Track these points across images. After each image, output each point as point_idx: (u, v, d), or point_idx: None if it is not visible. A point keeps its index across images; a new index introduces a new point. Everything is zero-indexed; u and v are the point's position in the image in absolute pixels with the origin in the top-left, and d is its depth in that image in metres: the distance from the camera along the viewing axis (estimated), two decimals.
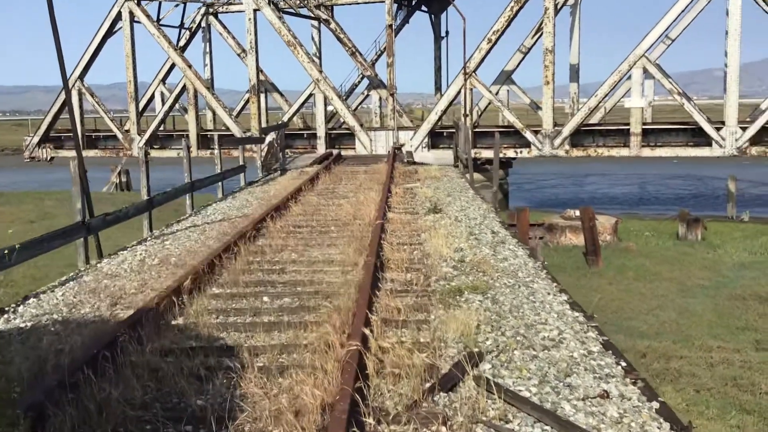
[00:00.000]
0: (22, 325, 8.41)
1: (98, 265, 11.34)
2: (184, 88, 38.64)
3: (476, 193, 18.08)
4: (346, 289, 8.96)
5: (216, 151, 18.85)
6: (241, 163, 20.91)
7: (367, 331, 6.95)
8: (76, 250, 11.97)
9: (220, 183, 18.85)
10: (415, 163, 25.02)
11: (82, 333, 7.81)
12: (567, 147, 33.66)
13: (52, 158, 41.41)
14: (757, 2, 33.94)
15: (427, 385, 6.25)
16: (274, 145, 23.96)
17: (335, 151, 30.37)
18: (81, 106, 40.03)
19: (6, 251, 9.13)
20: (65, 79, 12.88)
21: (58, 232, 10.97)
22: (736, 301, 18.60)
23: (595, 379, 6.43)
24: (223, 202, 17.61)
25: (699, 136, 32.28)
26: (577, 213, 25.40)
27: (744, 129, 31.17)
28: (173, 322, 8.13)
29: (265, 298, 9.01)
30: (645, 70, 32.34)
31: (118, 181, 42.47)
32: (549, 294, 9.07)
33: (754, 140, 31.27)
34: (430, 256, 10.84)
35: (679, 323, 17.30)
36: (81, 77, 39.67)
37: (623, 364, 6.83)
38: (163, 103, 41.60)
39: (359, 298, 8.13)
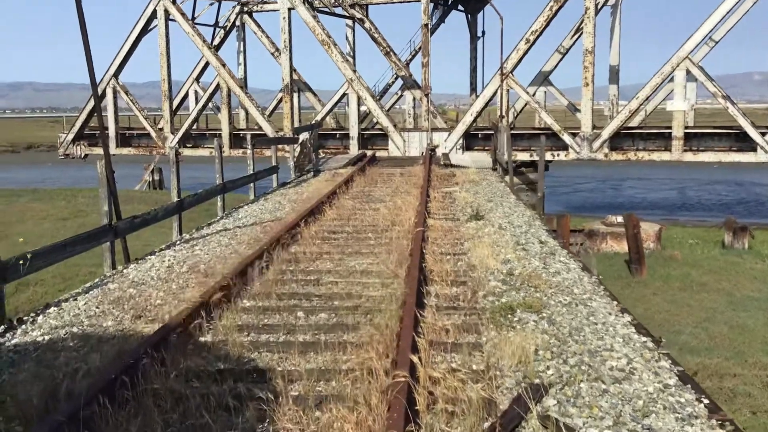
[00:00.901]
0: (40, 338, 7.73)
1: (124, 271, 10.66)
2: (217, 86, 38.15)
3: (518, 198, 17.17)
4: (388, 305, 8.18)
5: (248, 151, 18.16)
6: (273, 163, 20.19)
7: (415, 359, 6.13)
8: (102, 253, 11.33)
9: (252, 184, 18.15)
10: (452, 165, 24.10)
11: (101, 350, 7.10)
12: (606, 150, 32.54)
13: (86, 155, 41.19)
14: None
15: (486, 424, 5.44)
16: (307, 145, 23.23)
17: (369, 153, 29.57)
18: (115, 104, 39.77)
19: (21, 260, 8.43)
20: (93, 79, 12.23)
21: (83, 236, 10.31)
22: None
23: (678, 421, 5.57)
24: (255, 204, 16.90)
25: (743, 141, 30.97)
26: (619, 219, 24.35)
27: None
28: (201, 339, 7.39)
29: (300, 314, 8.24)
30: (688, 72, 31.15)
31: (151, 179, 42.15)
32: (611, 314, 8.19)
33: None
34: (476, 268, 10.00)
35: (730, 338, 16.26)
36: (116, 75, 39.36)
37: (705, 401, 5.95)
38: (197, 102, 41.19)
39: (404, 316, 7.33)
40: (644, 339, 7.43)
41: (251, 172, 18.05)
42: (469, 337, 7.37)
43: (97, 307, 8.75)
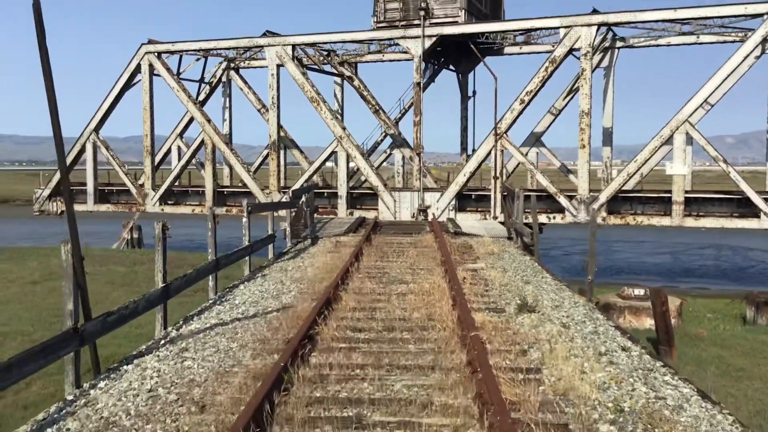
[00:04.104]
0: None
1: (92, 392, 7.58)
2: (201, 142, 35.30)
3: (555, 278, 14.36)
4: None
5: (244, 220, 15.18)
6: (270, 231, 17.23)
7: None
8: (63, 365, 8.23)
9: (248, 257, 15.12)
10: (462, 233, 21.29)
11: None
12: (604, 214, 30.11)
13: (62, 212, 37.76)
14: None
15: None
16: (303, 208, 20.34)
17: (369, 217, 26.73)
18: (95, 159, 36.62)
19: None
20: (59, 138, 9.21)
21: (37, 348, 7.23)
22: None
23: None
24: (253, 283, 13.82)
25: (744, 207, 28.80)
26: (636, 291, 21.71)
27: None
28: None
29: None
30: (687, 136, 29.10)
31: (129, 237, 38.69)
32: None
33: None
34: (569, 399, 7.10)
35: None
36: (96, 129, 36.35)
37: None
38: (180, 158, 38.22)
39: None
40: None
41: (246, 243, 15.01)
42: None
43: None
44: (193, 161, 38.46)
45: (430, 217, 29.93)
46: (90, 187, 36.86)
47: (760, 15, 27.58)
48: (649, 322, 20.15)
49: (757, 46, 28.66)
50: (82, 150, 36.51)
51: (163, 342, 9.58)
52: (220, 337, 9.64)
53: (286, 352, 8.09)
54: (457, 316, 9.85)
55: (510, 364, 8.19)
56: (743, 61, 29.22)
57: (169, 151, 40.26)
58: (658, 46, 33.91)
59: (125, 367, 8.50)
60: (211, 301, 12.17)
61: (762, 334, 20.36)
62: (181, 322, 10.71)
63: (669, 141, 29.45)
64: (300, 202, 20.42)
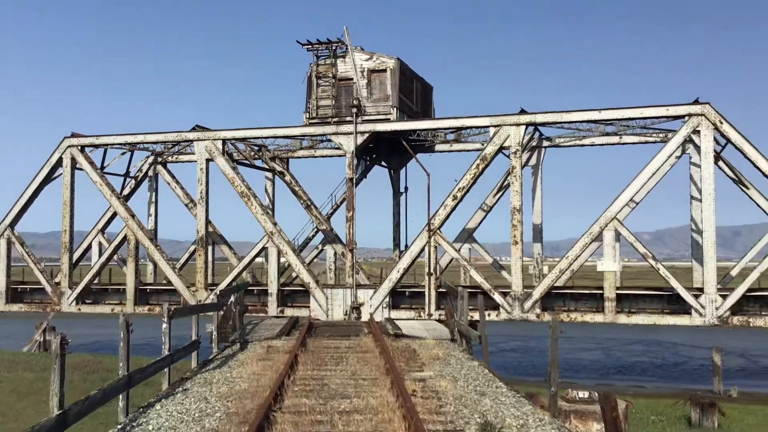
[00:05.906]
0: None
1: None
2: (124, 238, 32.93)
3: (510, 388, 12.78)
4: None
5: (164, 327, 13.11)
6: (194, 337, 15.18)
7: None
8: None
9: (167, 368, 13.01)
10: (403, 335, 19.61)
11: None
12: (538, 311, 29.06)
13: None
14: (722, 170, 31.33)
15: None
16: (232, 309, 18.36)
17: (301, 315, 24.80)
18: (8, 256, 33.65)
19: None
20: None
21: None
22: None
23: None
24: (171, 401, 11.65)
25: (675, 303, 28.28)
26: (581, 394, 20.31)
27: (724, 297, 27.29)
28: None
29: None
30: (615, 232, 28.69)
31: (41, 339, 35.16)
32: None
33: (734, 309, 27.35)
34: None
35: None
36: (12, 225, 33.55)
37: None
38: (101, 254, 35.55)
39: None
40: None
41: (166, 352, 12.93)
42: None
43: None
44: (115, 257, 35.85)
45: (365, 316, 28.24)
46: (1, 285, 33.67)
47: (681, 117, 27.92)
48: (596, 427, 18.62)
49: (678, 146, 28.88)
50: None
51: None
52: None
53: None
54: None
55: None
56: (666, 160, 29.35)
57: (89, 246, 37.52)
58: (582, 145, 34.02)
59: None
60: (119, 427, 10.00)
61: None
62: None
63: (598, 237, 29.00)
64: (228, 302, 18.44)
